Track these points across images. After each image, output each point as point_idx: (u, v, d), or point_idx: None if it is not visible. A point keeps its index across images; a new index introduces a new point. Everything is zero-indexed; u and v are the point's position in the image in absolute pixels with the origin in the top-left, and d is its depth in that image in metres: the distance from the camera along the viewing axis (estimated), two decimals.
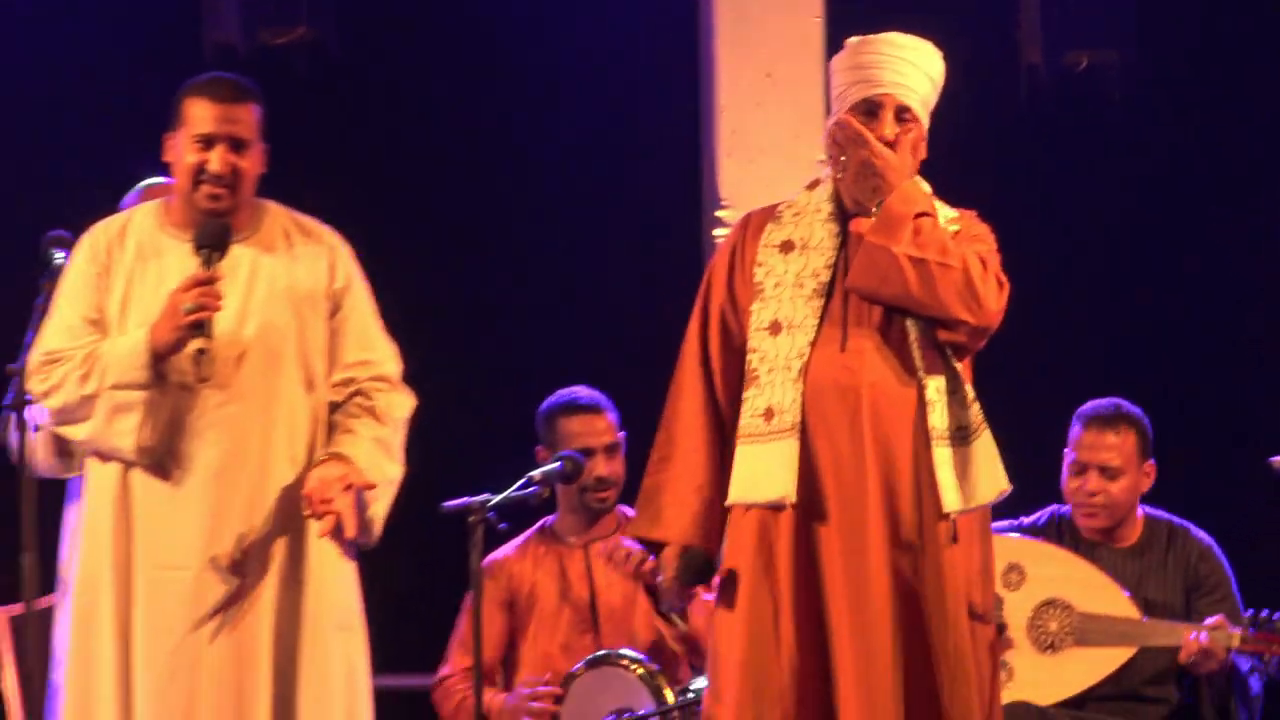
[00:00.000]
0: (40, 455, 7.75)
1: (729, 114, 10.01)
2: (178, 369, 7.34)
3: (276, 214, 7.56)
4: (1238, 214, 9.54)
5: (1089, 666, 8.32)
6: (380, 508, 7.51)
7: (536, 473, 8.46)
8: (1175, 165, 10.27)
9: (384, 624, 8.57)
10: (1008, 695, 8.05)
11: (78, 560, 7.52)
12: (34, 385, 7.43)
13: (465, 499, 8.27)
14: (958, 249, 6.93)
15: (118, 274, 7.43)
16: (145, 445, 7.33)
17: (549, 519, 8.99)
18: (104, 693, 7.40)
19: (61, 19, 10.10)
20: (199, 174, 7.27)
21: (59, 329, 7.42)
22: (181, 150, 7.35)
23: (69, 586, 7.57)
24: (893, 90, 6.98)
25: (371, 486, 7.41)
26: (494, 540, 8.57)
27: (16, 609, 8.23)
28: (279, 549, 7.43)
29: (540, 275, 10.40)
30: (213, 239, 7.21)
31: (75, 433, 7.43)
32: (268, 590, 7.39)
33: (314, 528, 7.43)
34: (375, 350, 7.58)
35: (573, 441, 8.71)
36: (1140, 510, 8.57)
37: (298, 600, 7.45)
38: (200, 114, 7.36)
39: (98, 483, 7.48)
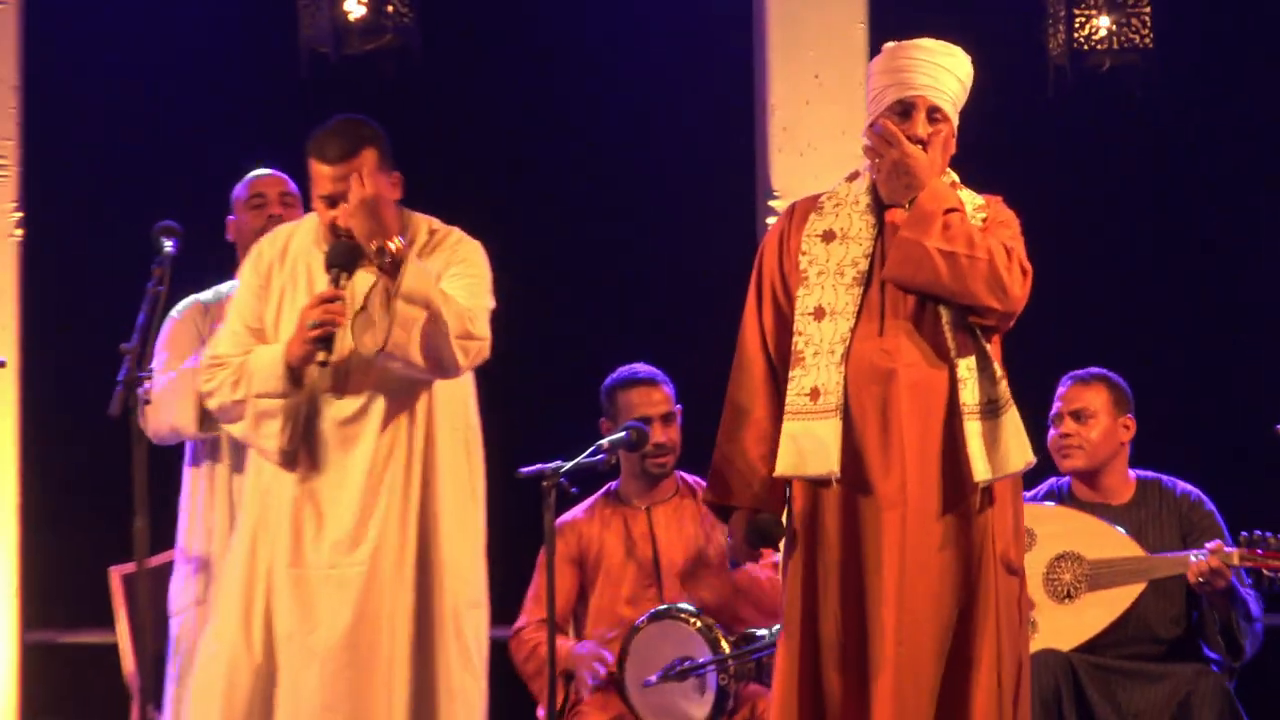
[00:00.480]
0: (153, 425, 7.84)
1: (780, 112, 9.96)
2: (316, 379, 7.39)
3: (417, 225, 7.55)
4: (1240, 207, 9.51)
5: (1105, 608, 8.33)
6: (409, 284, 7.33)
7: (605, 441, 8.52)
8: (1185, 158, 10.23)
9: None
10: (1034, 646, 7.96)
11: (231, 556, 7.50)
12: (200, 384, 7.48)
13: (540, 465, 8.29)
14: (984, 241, 6.93)
15: (275, 286, 7.44)
16: (286, 448, 7.33)
17: (614, 484, 9.02)
18: (235, 624, 7.32)
19: (168, 26, 10.05)
20: (334, 227, 7.25)
21: (225, 335, 7.45)
22: (315, 203, 7.34)
23: (216, 576, 7.74)
24: (924, 92, 7.02)
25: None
26: (565, 503, 8.60)
27: (129, 568, 8.35)
28: (417, 537, 7.39)
29: (608, 262, 10.39)
30: (341, 259, 7.22)
31: (233, 430, 7.47)
32: (406, 575, 7.36)
33: (447, 515, 7.44)
34: (471, 291, 7.47)
35: (633, 412, 8.77)
36: (1132, 473, 8.54)
37: (435, 581, 7.41)
38: (319, 175, 7.33)
39: (255, 481, 7.48)
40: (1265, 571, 8.28)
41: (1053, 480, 8.65)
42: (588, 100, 10.58)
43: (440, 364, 7.30)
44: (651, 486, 8.90)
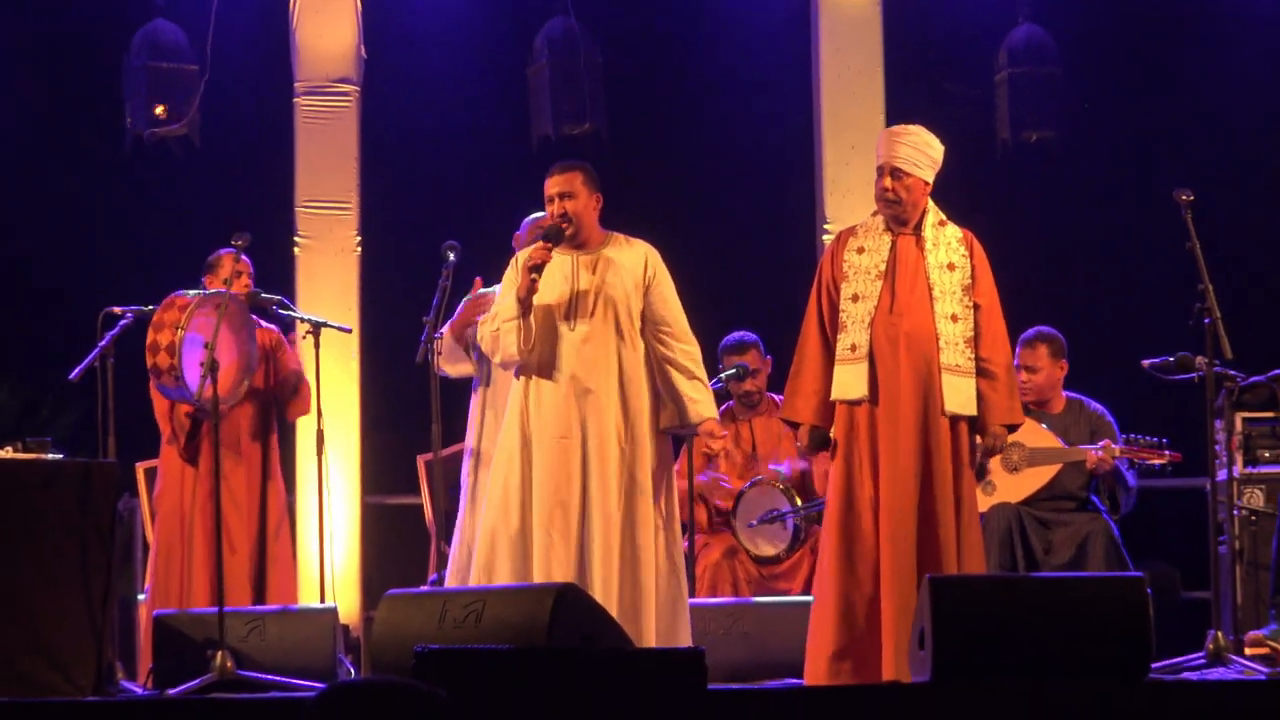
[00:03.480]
0: (448, 367, 7.80)
1: (829, 170, 9.91)
2: (547, 307, 7.23)
3: (617, 237, 7.37)
4: (1139, 240, 9.35)
5: (1038, 477, 8.25)
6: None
7: (723, 375, 8.57)
8: (1095, 206, 10.11)
9: None
10: (993, 500, 8.11)
11: (501, 436, 7.31)
12: (477, 337, 7.41)
13: None
14: (1009, 376, 7.09)
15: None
16: (524, 348, 7.13)
17: (730, 402, 8.82)
18: (509, 503, 7.18)
19: (468, 122, 9.99)
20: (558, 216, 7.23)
21: (499, 303, 7.31)
22: (546, 204, 7.26)
23: (487, 455, 7.50)
24: (890, 160, 7.02)
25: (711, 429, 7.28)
26: None
27: (428, 456, 8.31)
28: (618, 421, 7.18)
29: (719, 269, 10.11)
30: (550, 234, 7.17)
31: (496, 358, 7.31)
32: (612, 451, 7.16)
33: (641, 409, 7.22)
34: (671, 316, 7.33)
35: (735, 364, 8.77)
36: (1064, 393, 8.45)
37: (633, 458, 7.20)
38: (548, 184, 7.28)
39: (513, 392, 7.31)
40: (1136, 459, 8.26)
41: None
42: (707, 167, 10.42)
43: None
44: (750, 408, 8.85)
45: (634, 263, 7.35)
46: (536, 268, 7.13)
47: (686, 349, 7.32)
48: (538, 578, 7.02)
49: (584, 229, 7.33)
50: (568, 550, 7.10)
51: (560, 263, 7.25)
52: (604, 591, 6.98)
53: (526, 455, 7.20)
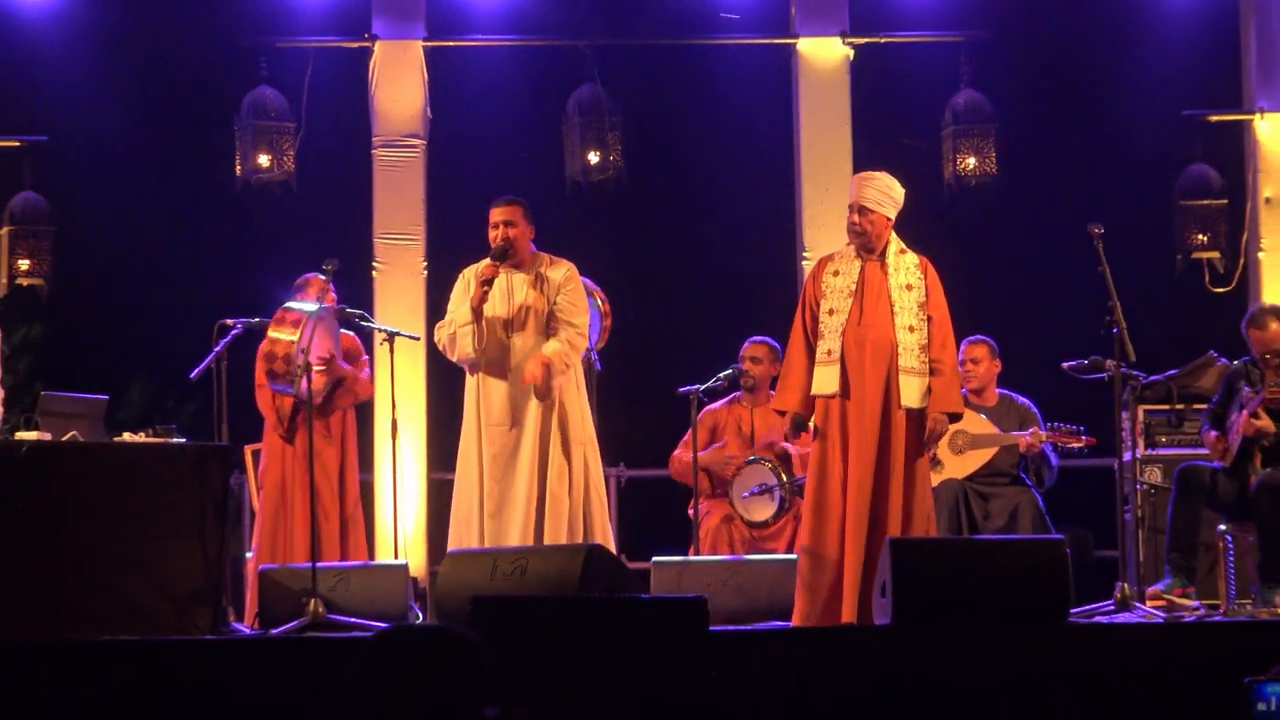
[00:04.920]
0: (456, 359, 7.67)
1: (807, 207, 9.80)
2: (492, 318, 7.35)
3: (544, 257, 7.50)
4: (1060, 263, 9.17)
5: (978, 457, 8.19)
6: (557, 361, 7.31)
7: (722, 375, 8.41)
8: (1024, 235, 9.97)
9: (644, 448, 8.98)
10: (942, 476, 8.06)
11: (463, 423, 7.49)
12: (439, 335, 7.50)
13: (692, 386, 8.17)
14: (954, 376, 7.04)
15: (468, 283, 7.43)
16: (478, 347, 7.32)
17: (738, 393, 8.67)
18: (473, 479, 7.39)
19: (506, 171, 9.72)
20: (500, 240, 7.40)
21: (454, 311, 7.45)
22: (490, 230, 7.40)
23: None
24: (857, 199, 7.05)
25: (547, 360, 7.28)
26: (704, 404, 8.42)
27: None
28: (546, 404, 7.35)
29: (718, 288, 10.04)
30: (497, 253, 7.33)
31: (453, 356, 7.45)
32: (546, 426, 7.32)
33: (569, 393, 7.37)
34: (573, 317, 7.43)
35: (742, 362, 8.61)
36: (998, 390, 8.40)
37: (562, 427, 7.37)
38: (493, 215, 7.43)
39: (470, 386, 7.46)
40: (1058, 443, 8.21)
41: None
42: (707, 203, 10.26)
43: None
44: (751, 397, 8.69)
45: (556, 276, 7.45)
46: (487, 281, 7.30)
47: (568, 321, 7.44)
48: (490, 526, 7.31)
49: (520, 251, 7.43)
50: (516, 508, 7.29)
51: (501, 280, 7.39)
52: (554, 527, 7.28)
53: (480, 439, 7.37)
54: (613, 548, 7.36)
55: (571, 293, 7.48)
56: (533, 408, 7.35)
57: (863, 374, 7.00)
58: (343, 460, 8.25)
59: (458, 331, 7.40)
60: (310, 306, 7.73)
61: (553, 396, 7.38)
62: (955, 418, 7.14)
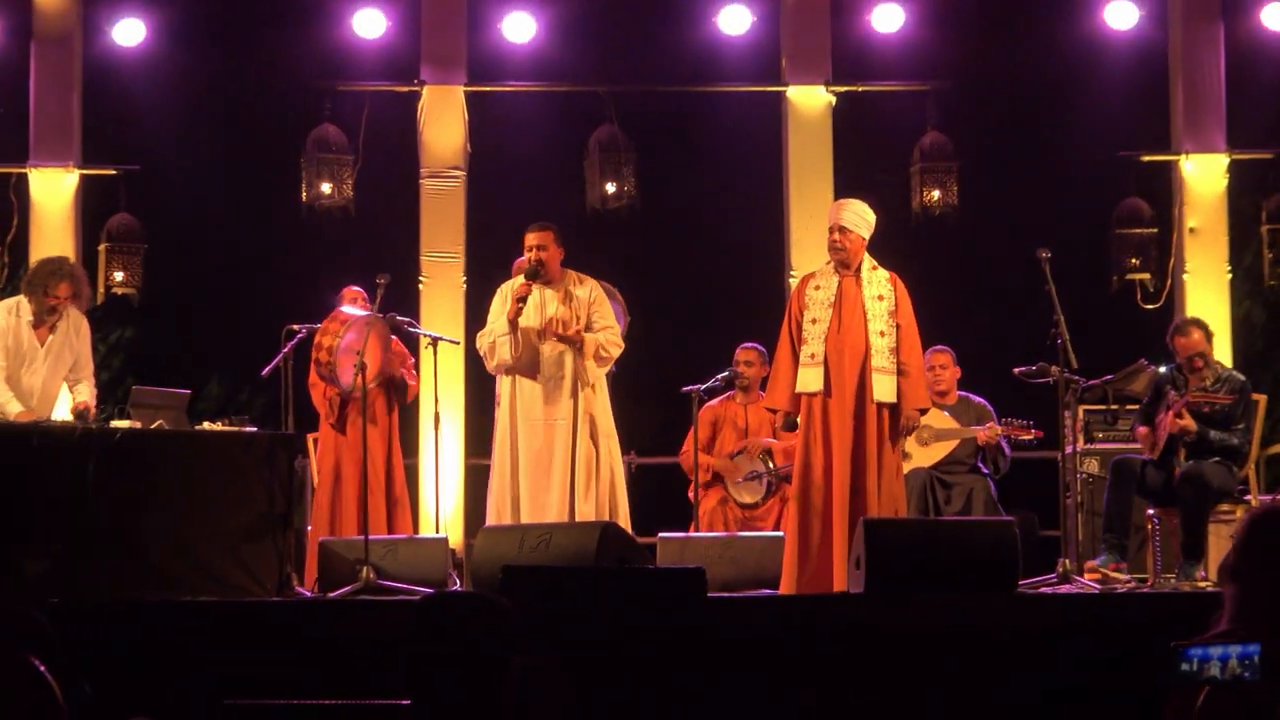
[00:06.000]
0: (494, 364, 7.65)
1: (794, 231, 9.79)
2: (526, 328, 7.30)
3: (572, 274, 7.48)
4: (1012, 281, 8.99)
5: (941, 449, 8.17)
6: (591, 343, 7.27)
7: (720, 376, 8.40)
8: (983, 259, 9.88)
9: (653, 439, 8.94)
10: (911, 465, 7.98)
11: (498, 416, 7.50)
12: (480, 343, 7.51)
13: (691, 386, 8.11)
14: (921, 376, 7.01)
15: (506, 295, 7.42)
16: (515, 354, 7.32)
17: (733, 391, 8.59)
18: (507, 470, 7.39)
19: (543, 202, 9.65)
20: (533, 261, 7.38)
21: (493, 322, 7.40)
22: (525, 251, 7.39)
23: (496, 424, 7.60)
24: (835, 221, 7.07)
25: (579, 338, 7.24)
26: (704, 401, 8.36)
27: None
28: (574, 402, 7.31)
29: (715, 301, 9.91)
30: (530, 273, 7.34)
31: (492, 363, 7.43)
32: (576, 422, 7.29)
33: (594, 395, 7.28)
34: (608, 321, 7.46)
35: (735, 364, 8.54)
36: (959, 392, 8.35)
37: (590, 423, 7.34)
38: (527, 238, 7.44)
39: (503, 385, 7.47)
40: (1011, 436, 8.20)
41: None
42: (707, 227, 10.18)
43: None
44: (744, 395, 8.62)
45: (583, 293, 7.40)
46: (521, 298, 7.27)
47: (606, 325, 7.39)
48: (529, 506, 7.26)
49: (551, 270, 7.40)
50: (551, 493, 7.25)
51: (534, 294, 7.36)
52: (583, 510, 7.20)
53: (514, 433, 7.35)
54: (629, 526, 7.32)
55: (599, 305, 7.45)
56: (564, 406, 7.31)
57: (841, 374, 7.02)
58: (389, 447, 8.19)
59: (497, 340, 7.38)
60: (359, 312, 7.73)
61: (581, 396, 7.34)
62: (923, 411, 7.14)
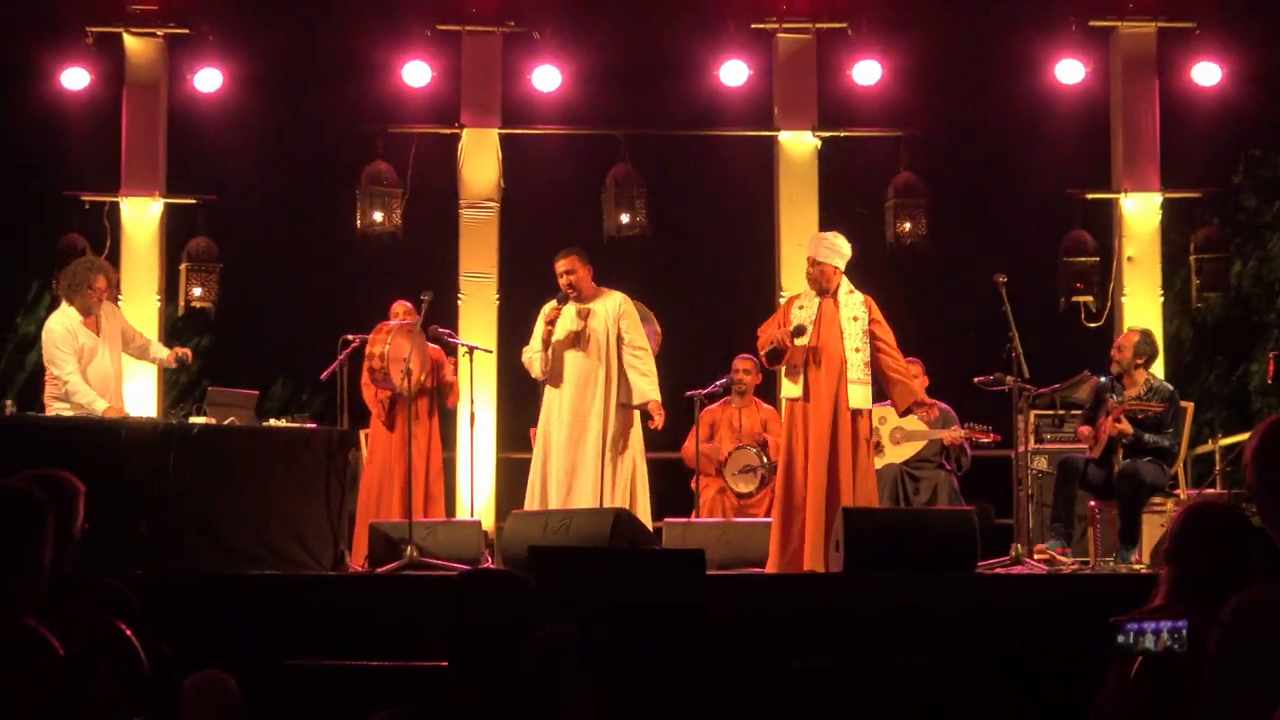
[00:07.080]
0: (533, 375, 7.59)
1: (783, 258, 9.74)
2: (564, 338, 7.19)
3: (603, 290, 7.39)
4: (972, 302, 8.84)
5: (911, 447, 8.24)
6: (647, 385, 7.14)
7: (719, 382, 8.37)
8: (949, 282, 9.80)
9: (660, 437, 8.62)
10: (885, 461, 8.01)
11: (540, 420, 7.39)
12: (525, 356, 7.38)
13: (696, 390, 8.06)
14: (909, 380, 6.93)
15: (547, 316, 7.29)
16: (546, 369, 7.24)
17: (729, 397, 8.58)
18: (539, 465, 7.31)
19: (567, 229, 9.73)
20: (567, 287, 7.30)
21: (534, 338, 7.32)
22: (559, 278, 7.27)
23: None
24: (811, 254, 7.02)
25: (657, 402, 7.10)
26: (704, 404, 8.29)
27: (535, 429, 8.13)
28: (602, 408, 7.21)
29: (713, 318, 9.78)
30: (561, 299, 7.26)
31: (532, 374, 7.37)
32: (606, 424, 7.19)
33: (612, 394, 7.12)
34: (638, 340, 7.32)
35: (733, 373, 8.54)
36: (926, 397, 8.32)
37: (620, 424, 7.25)
38: (558, 266, 7.32)
39: (547, 394, 7.37)
40: (972, 437, 8.22)
41: None
42: (709, 253, 10.15)
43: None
44: (740, 400, 8.62)
45: (612, 307, 7.30)
46: (552, 322, 7.21)
47: (638, 354, 7.27)
48: (557, 493, 7.12)
49: (582, 288, 7.31)
50: (584, 483, 7.12)
51: (569, 309, 7.28)
52: (608, 496, 7.05)
53: (547, 432, 7.28)
54: (649, 514, 7.23)
55: (628, 317, 7.32)
56: (596, 411, 7.21)
57: (819, 383, 6.99)
58: (429, 444, 8.16)
59: (533, 357, 7.34)
60: (406, 323, 7.73)
61: (612, 405, 7.26)
62: (919, 403, 7.09)
